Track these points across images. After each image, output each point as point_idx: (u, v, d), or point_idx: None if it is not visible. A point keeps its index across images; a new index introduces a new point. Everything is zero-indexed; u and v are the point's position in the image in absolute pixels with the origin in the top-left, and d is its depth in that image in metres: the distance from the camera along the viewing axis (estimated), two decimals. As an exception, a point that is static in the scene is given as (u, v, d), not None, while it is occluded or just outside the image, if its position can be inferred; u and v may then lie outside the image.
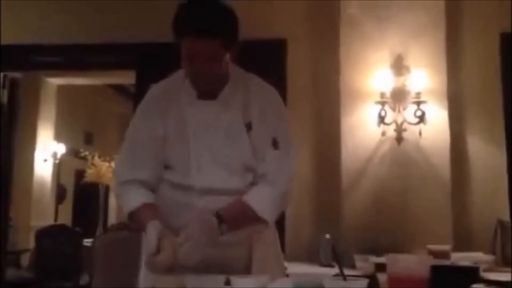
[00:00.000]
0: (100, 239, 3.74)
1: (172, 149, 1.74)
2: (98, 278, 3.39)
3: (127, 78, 5.27)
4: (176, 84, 1.79)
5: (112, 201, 9.62)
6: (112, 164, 7.37)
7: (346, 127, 3.70)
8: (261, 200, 1.69)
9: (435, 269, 2.86)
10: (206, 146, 1.71)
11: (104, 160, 7.13)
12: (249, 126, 1.71)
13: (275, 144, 1.73)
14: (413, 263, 1.30)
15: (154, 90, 1.85)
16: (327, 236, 3.41)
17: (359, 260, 3.14)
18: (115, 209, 9.70)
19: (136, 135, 1.80)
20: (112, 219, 9.50)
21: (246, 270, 1.75)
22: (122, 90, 8.34)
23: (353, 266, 3.08)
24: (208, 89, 1.73)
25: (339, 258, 1.61)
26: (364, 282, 1.42)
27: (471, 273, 2.36)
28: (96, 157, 7.14)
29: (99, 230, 6.77)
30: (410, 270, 1.27)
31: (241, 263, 1.75)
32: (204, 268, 1.58)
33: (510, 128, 3.79)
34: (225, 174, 1.71)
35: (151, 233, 1.57)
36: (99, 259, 3.45)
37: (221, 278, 1.42)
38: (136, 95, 4.71)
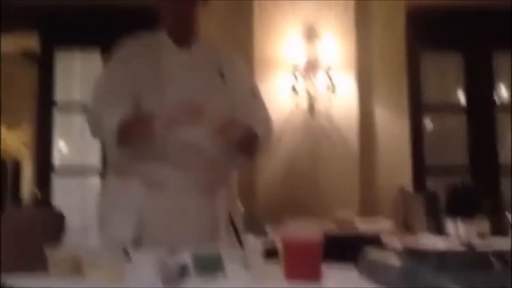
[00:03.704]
0: (7, 216, 3.56)
1: (146, 92, 1.73)
2: (8, 257, 3.24)
3: (30, 42, 4.96)
4: (151, 36, 1.84)
5: (26, 175, 9.16)
6: (20, 134, 7.01)
7: (259, 96, 3.71)
8: (261, 128, 1.76)
9: (338, 237, 2.96)
10: (181, 92, 1.72)
11: (10, 130, 6.74)
12: (222, 75, 1.80)
13: (253, 94, 1.88)
14: (303, 229, 1.32)
15: (128, 41, 1.85)
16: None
17: (271, 230, 3.19)
18: (29, 184, 9.25)
19: (111, 78, 1.80)
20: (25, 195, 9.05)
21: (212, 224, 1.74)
22: (30, 57, 7.85)
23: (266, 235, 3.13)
24: (186, 31, 1.81)
25: (236, 229, 1.63)
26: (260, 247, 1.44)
27: (372, 239, 2.46)
28: (2, 128, 6.72)
29: (8, 207, 6.44)
30: (300, 235, 1.29)
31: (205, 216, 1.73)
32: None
33: (413, 100, 3.98)
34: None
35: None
36: (7, 236, 3.28)
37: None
38: (40, 59, 4.45)
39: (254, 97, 1.88)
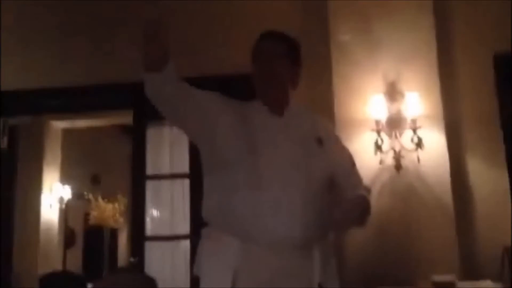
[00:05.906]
0: (100, 283, 3.68)
1: (234, 150, 1.72)
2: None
3: (127, 118, 5.28)
4: (246, 103, 1.88)
5: (122, 242, 9.53)
6: (116, 205, 7.36)
7: (343, 157, 3.62)
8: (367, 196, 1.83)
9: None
10: (277, 155, 1.72)
11: (109, 201, 7.09)
12: (319, 141, 1.80)
13: (353, 164, 1.91)
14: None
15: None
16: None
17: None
18: (125, 251, 9.59)
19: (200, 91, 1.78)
20: (122, 261, 9.36)
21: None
22: (126, 130, 8.36)
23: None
24: (276, 95, 1.83)
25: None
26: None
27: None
28: (99, 199, 7.08)
29: (106, 273, 6.69)
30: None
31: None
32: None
33: (511, 150, 3.69)
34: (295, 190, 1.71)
35: None
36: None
37: None
38: (134, 133, 4.68)
39: (354, 166, 1.92)
